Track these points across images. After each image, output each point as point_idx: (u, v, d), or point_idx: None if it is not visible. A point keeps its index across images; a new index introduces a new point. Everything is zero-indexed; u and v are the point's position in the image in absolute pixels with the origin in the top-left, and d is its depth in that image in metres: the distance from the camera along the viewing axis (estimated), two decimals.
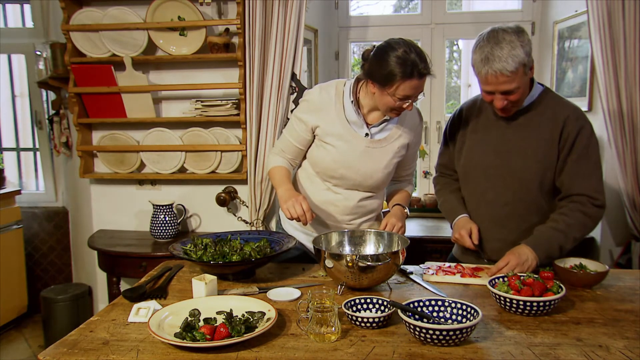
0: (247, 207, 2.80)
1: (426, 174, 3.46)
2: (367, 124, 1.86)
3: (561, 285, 1.46)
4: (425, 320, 1.29)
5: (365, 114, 1.86)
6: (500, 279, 1.53)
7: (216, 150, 2.77)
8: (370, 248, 1.78)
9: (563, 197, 1.78)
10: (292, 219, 1.75)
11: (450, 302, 1.34)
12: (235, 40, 2.75)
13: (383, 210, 2.07)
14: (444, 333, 1.19)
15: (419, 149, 2.02)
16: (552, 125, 1.74)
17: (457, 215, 1.91)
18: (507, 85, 1.64)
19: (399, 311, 1.27)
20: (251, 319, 1.29)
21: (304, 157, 1.98)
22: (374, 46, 1.76)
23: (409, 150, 1.95)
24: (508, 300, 1.41)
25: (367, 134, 1.85)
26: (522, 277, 1.48)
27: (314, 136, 1.90)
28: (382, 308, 1.39)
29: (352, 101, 1.84)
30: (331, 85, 1.89)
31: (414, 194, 3.47)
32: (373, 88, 1.75)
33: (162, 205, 2.75)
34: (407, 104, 1.72)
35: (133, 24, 2.69)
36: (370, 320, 1.31)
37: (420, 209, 3.28)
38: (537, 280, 1.45)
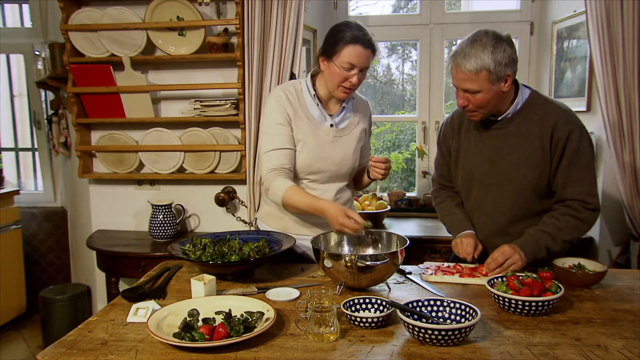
0: (246, 207, 2.79)
1: (425, 174, 3.46)
2: (329, 115, 1.93)
3: (560, 285, 1.46)
4: (424, 320, 1.29)
5: (325, 106, 1.93)
6: (499, 279, 1.53)
7: (215, 150, 2.77)
8: (369, 248, 1.78)
9: (557, 201, 1.79)
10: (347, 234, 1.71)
11: (449, 302, 1.34)
12: (234, 40, 2.75)
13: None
14: (443, 333, 1.19)
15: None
16: (541, 131, 1.73)
17: (464, 229, 1.89)
18: (466, 84, 1.66)
19: (397, 311, 1.28)
20: (250, 319, 1.29)
21: None
22: None
23: (366, 136, 2.05)
24: (507, 300, 1.41)
25: (331, 125, 1.93)
26: (520, 277, 1.48)
27: None
28: (381, 308, 1.39)
29: (314, 95, 1.90)
30: (288, 84, 1.97)
31: (413, 194, 3.48)
32: (323, 65, 1.84)
33: (161, 205, 2.75)
34: (353, 72, 1.78)
35: (132, 24, 2.69)
36: (369, 320, 1.31)
37: (420, 209, 3.27)
38: (535, 280, 1.45)
